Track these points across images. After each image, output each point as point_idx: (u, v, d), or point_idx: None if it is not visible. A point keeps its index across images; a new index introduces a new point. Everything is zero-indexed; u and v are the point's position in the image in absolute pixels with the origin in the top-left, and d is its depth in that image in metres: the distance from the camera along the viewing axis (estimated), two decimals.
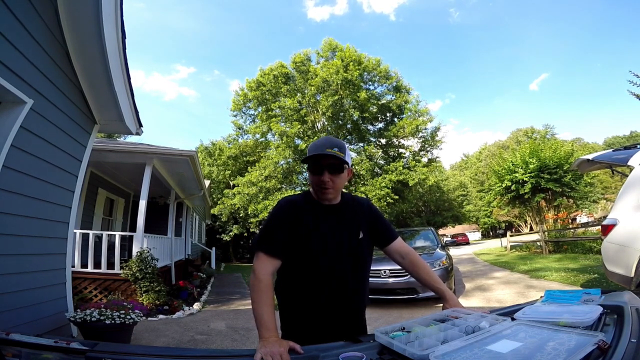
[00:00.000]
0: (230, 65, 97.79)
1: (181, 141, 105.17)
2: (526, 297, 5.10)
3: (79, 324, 3.09)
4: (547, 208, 13.34)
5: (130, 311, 3.29)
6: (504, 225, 32.44)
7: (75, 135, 3.34)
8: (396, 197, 15.69)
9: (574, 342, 0.73)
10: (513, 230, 20.18)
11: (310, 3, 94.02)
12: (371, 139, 18.10)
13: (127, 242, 7.09)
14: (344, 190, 1.35)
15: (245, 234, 18.78)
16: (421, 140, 18.08)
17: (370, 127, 18.50)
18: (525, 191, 12.81)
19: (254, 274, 1.15)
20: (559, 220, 13.17)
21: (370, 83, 18.18)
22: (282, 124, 17.13)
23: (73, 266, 3.90)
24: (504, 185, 13.70)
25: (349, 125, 17.81)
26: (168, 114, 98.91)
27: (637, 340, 0.74)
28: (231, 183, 20.08)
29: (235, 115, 19.98)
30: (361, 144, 17.96)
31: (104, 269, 5.35)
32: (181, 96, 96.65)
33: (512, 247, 14.71)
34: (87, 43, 3.05)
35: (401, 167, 16.15)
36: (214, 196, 18.91)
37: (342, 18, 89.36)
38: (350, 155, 1.35)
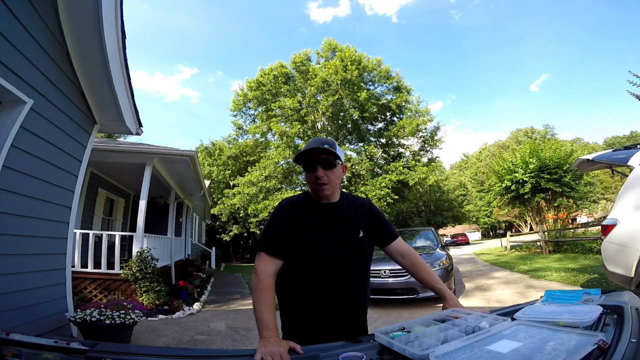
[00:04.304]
0: (234, 66, 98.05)
1: (182, 142, 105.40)
2: (526, 297, 5.09)
3: (79, 324, 3.09)
4: (547, 208, 13.33)
5: (130, 311, 3.29)
6: (504, 225, 32.45)
7: (75, 135, 3.34)
8: (396, 197, 15.69)
9: (574, 342, 0.73)
10: (513, 230, 20.17)
11: (313, 5, 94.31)
12: (371, 138, 18.09)
13: (127, 242, 7.09)
14: (344, 190, 1.34)
15: (245, 234, 18.77)
16: (421, 140, 18.09)
17: (370, 127, 18.51)
18: (525, 191, 12.82)
19: (256, 274, 1.16)
20: (559, 221, 13.17)
21: (370, 83, 18.19)
22: (282, 124, 17.14)
23: (73, 266, 3.90)
24: (504, 185, 13.70)
25: (349, 125, 17.81)
26: (170, 114, 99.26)
27: (637, 340, 0.74)
28: (231, 183, 20.08)
29: (235, 115, 20.02)
30: (361, 144, 17.98)
31: (104, 269, 5.35)
32: (183, 97, 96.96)
33: (512, 247, 14.71)
34: (87, 43, 3.05)
35: (401, 167, 16.16)
36: (214, 196, 18.90)
37: (344, 20, 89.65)
38: (348, 155, 1.36)
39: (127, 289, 5.31)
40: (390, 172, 15.94)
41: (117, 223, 8.96)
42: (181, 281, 7.15)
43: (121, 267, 5.36)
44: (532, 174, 12.71)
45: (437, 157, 18.85)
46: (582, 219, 25.73)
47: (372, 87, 18.21)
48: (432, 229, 7.68)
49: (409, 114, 17.55)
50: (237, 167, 21.03)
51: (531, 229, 16.10)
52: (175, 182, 8.39)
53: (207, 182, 12.28)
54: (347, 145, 17.82)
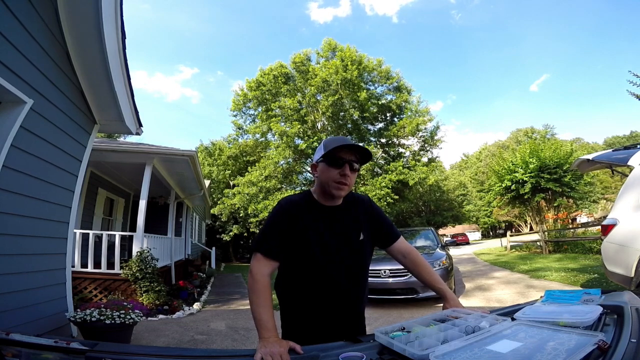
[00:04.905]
0: (234, 66, 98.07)
1: (182, 142, 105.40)
2: (526, 297, 5.09)
3: (79, 324, 3.09)
4: (547, 208, 13.33)
5: (130, 311, 3.29)
6: (504, 225, 32.45)
7: (75, 135, 3.35)
8: (396, 197, 15.69)
9: (574, 342, 0.73)
10: (513, 230, 20.16)
11: (313, 5, 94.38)
12: (371, 138, 18.10)
13: (127, 242, 7.09)
14: None
15: (245, 234, 18.76)
16: (421, 140, 18.09)
17: (370, 127, 18.50)
18: (525, 191, 12.82)
19: (252, 275, 1.15)
20: (559, 220, 13.17)
21: (370, 83, 18.18)
22: (282, 123, 17.12)
23: (73, 266, 3.90)
24: (504, 185, 13.70)
25: (349, 125, 17.80)
26: (170, 114, 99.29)
27: (637, 340, 0.74)
28: (231, 183, 20.08)
29: (235, 115, 20.00)
30: (361, 144, 17.95)
31: (104, 269, 5.35)
32: (184, 97, 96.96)
33: (512, 247, 14.71)
34: (87, 43, 3.05)
35: (401, 167, 16.15)
36: (214, 196, 18.90)
37: (345, 20, 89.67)
38: None
39: (127, 289, 5.31)
40: (390, 172, 15.94)
41: (117, 223, 8.96)
42: (181, 281, 7.15)
43: (121, 267, 5.36)
44: (532, 174, 12.71)
45: (437, 157, 18.85)
46: (582, 219, 25.74)
47: (372, 87, 18.20)
48: (432, 228, 7.69)
49: (409, 113, 17.55)
50: (237, 167, 21.03)
51: (531, 229, 16.10)
52: (175, 182, 8.39)
53: (207, 182, 12.28)
54: None
